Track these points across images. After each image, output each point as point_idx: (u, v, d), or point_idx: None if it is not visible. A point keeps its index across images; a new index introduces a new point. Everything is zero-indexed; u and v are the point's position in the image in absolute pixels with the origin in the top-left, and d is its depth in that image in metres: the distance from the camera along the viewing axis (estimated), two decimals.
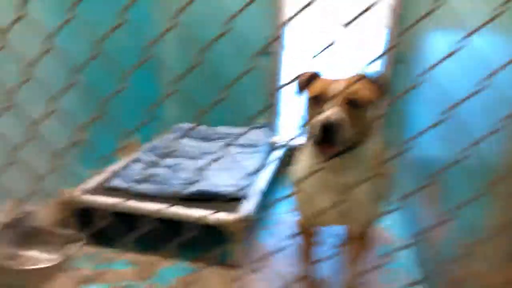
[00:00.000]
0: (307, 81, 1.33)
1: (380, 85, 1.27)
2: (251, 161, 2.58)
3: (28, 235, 1.76)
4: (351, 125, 1.17)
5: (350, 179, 1.28)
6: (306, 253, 1.62)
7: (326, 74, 1.36)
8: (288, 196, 1.14)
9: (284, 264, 1.96)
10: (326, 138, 1.14)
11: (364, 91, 1.22)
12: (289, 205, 2.42)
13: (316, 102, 1.22)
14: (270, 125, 3.24)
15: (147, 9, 2.94)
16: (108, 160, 2.52)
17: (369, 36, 3.28)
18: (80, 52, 1.89)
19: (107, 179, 2.28)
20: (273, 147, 2.94)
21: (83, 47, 1.94)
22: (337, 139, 1.14)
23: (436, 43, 2.06)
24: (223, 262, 1.96)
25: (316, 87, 1.28)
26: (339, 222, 1.43)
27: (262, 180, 2.37)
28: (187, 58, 3.21)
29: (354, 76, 1.26)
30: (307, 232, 1.60)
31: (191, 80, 2.11)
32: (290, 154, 3.07)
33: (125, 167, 2.45)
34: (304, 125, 1.29)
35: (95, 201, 2.03)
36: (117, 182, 2.22)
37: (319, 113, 1.16)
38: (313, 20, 3.06)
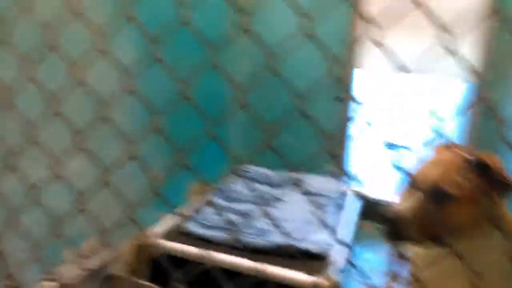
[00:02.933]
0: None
1: (492, 177, 0.97)
2: (328, 213, 2.40)
3: (108, 284, 1.65)
4: (432, 221, 0.97)
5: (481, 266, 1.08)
6: None
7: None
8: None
9: None
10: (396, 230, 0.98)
11: (456, 178, 0.97)
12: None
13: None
14: (339, 174, 3.08)
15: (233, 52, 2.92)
16: (178, 203, 2.43)
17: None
18: (159, 94, 1.82)
19: (181, 224, 2.17)
20: (345, 198, 2.76)
21: (163, 90, 1.88)
22: (404, 235, 0.98)
23: None
24: None
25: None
26: None
27: (346, 236, 2.18)
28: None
29: (453, 161, 1.01)
30: None
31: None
32: (367, 207, 2.88)
33: (197, 211, 2.34)
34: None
35: (173, 247, 1.91)
36: (192, 227, 2.09)
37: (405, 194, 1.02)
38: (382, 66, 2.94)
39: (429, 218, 0.96)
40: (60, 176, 1.08)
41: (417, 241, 1.01)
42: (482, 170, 0.98)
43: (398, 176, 1.11)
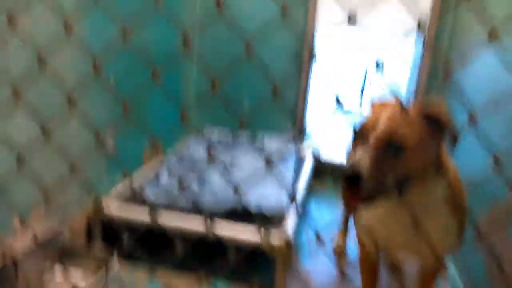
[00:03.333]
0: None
1: (436, 121, 1.06)
2: (284, 174, 2.45)
3: (60, 255, 1.60)
4: (389, 170, 1.02)
5: (422, 215, 1.17)
6: (370, 282, 1.50)
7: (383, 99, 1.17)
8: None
9: None
10: (353, 182, 0.99)
11: (406, 130, 1.02)
12: (329, 225, 2.33)
13: (361, 136, 1.07)
14: (297, 135, 3.12)
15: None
16: (132, 166, 2.37)
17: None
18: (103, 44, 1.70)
19: (136, 190, 2.13)
20: (302, 159, 2.82)
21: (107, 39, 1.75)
22: (366, 186, 0.99)
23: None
24: (267, 286, 1.82)
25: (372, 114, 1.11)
26: (411, 252, 1.32)
27: (299, 195, 2.25)
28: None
29: (399, 109, 1.06)
30: (371, 262, 1.48)
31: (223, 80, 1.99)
32: (319, 167, 2.97)
33: (153, 177, 2.29)
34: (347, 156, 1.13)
35: (126, 215, 1.87)
36: (148, 194, 2.06)
37: (356, 150, 1.03)
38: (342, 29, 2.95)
39: (383, 168, 1.01)
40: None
41: (372, 193, 1.03)
42: (431, 120, 1.05)
43: (350, 134, 1.14)
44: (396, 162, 1.03)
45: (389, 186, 1.04)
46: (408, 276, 1.89)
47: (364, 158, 1.00)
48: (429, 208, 1.17)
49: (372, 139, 1.02)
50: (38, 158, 1.29)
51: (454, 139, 1.06)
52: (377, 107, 1.14)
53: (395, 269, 2.05)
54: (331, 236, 2.27)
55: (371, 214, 1.30)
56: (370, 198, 1.05)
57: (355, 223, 1.47)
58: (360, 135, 1.07)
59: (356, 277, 1.61)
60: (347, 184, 1.01)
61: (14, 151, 1.09)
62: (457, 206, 1.24)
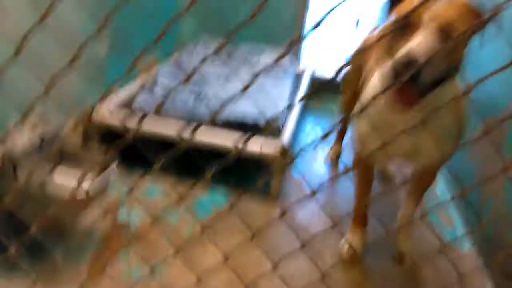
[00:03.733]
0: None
1: (480, 13, 1.03)
2: (281, 88, 2.40)
3: (59, 157, 1.61)
4: (442, 63, 0.97)
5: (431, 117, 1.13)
6: (364, 188, 1.54)
7: None
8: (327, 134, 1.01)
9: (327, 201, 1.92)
10: (407, 79, 0.90)
11: (463, 18, 0.99)
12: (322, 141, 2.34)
13: (403, 28, 0.98)
14: (295, 51, 3.02)
15: None
16: (126, 79, 2.31)
17: None
18: None
19: (130, 100, 2.09)
20: (299, 76, 2.76)
21: None
22: (423, 81, 0.92)
23: None
24: (262, 192, 1.89)
25: (404, 6, 1.07)
26: (409, 157, 1.33)
27: (295, 111, 2.23)
28: None
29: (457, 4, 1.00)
30: (367, 167, 1.50)
31: None
32: (317, 85, 2.92)
33: (146, 88, 2.25)
34: (388, 56, 1.03)
35: (118, 122, 1.86)
36: (141, 102, 2.04)
37: (404, 43, 0.93)
38: None
39: (441, 57, 0.94)
40: None
41: (429, 86, 0.96)
42: (476, 10, 1.01)
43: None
44: (449, 53, 0.97)
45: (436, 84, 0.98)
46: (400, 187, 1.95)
47: (422, 43, 0.90)
48: (438, 111, 1.14)
49: (429, 25, 0.94)
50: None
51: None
52: None
53: (386, 178, 2.12)
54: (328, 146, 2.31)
55: (375, 117, 1.23)
56: (425, 92, 0.98)
57: (354, 125, 1.45)
58: (401, 27, 0.98)
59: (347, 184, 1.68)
60: (397, 75, 0.91)
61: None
62: (460, 113, 1.24)
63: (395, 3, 1.11)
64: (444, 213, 1.87)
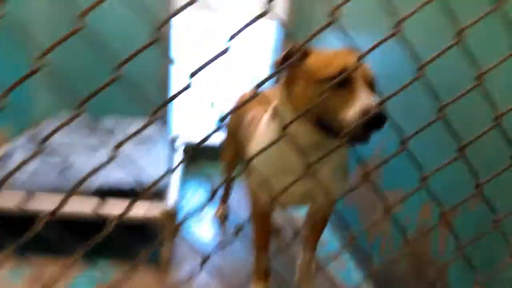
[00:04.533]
0: (301, 56, 1.10)
1: None
2: (154, 156, 2.29)
3: None
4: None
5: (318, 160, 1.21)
6: (263, 240, 1.49)
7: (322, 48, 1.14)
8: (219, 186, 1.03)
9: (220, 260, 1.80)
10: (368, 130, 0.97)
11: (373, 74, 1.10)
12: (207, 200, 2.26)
13: (329, 83, 0.97)
14: (163, 119, 2.99)
15: None
16: None
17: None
18: None
19: None
20: (173, 143, 2.70)
21: None
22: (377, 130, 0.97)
23: None
24: (153, 261, 1.67)
25: (329, 64, 1.05)
26: (304, 201, 1.37)
27: (176, 175, 2.15)
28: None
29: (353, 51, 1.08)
30: (265, 217, 1.47)
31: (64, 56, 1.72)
32: (193, 150, 2.88)
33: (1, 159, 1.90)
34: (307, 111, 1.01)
35: None
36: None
37: (344, 99, 1.00)
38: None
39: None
40: None
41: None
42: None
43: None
44: None
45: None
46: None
47: (373, 99, 0.98)
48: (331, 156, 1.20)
49: (361, 83, 1.01)
50: None
51: None
52: (334, 54, 1.10)
53: (275, 231, 2.13)
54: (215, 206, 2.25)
55: (269, 164, 1.24)
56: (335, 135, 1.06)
57: (247, 178, 1.44)
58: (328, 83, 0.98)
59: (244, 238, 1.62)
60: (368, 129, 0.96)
61: None
62: (343, 152, 1.34)
63: (287, 60, 1.07)
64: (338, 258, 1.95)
